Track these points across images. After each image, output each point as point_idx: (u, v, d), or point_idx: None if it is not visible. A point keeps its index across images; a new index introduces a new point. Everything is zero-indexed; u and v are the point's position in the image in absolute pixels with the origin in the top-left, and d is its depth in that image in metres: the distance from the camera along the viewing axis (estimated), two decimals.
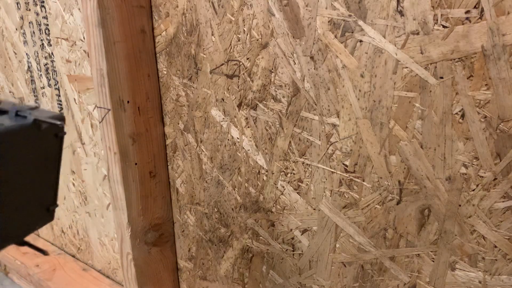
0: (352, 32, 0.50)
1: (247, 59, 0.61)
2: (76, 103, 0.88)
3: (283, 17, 0.55)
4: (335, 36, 0.51)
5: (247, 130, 0.65)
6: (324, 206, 0.60)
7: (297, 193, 0.62)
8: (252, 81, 0.61)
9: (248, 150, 0.66)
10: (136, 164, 0.74)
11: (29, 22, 0.90)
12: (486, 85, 0.43)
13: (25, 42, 0.94)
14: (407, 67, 0.47)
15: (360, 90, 0.52)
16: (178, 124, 0.75)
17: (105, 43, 0.65)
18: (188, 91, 0.71)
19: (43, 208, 0.39)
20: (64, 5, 0.80)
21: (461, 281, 0.51)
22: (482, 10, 0.41)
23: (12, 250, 1.13)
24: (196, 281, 0.86)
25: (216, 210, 0.75)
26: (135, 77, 0.71)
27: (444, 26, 0.44)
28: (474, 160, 0.46)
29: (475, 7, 0.42)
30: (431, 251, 0.52)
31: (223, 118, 0.68)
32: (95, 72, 0.68)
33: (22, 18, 0.91)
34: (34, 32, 0.90)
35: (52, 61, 0.89)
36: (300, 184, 0.61)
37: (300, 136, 0.59)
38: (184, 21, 0.67)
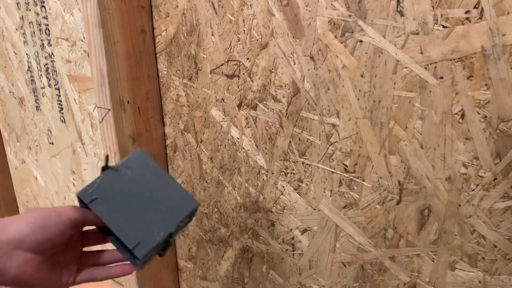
0: (352, 32, 0.50)
1: (247, 59, 0.61)
2: (76, 103, 0.88)
3: (283, 17, 0.55)
4: (335, 36, 0.51)
5: (247, 130, 0.65)
6: (324, 206, 0.60)
7: (297, 193, 0.62)
8: (252, 81, 0.61)
9: (248, 150, 0.66)
10: None
11: (29, 22, 0.90)
12: (486, 85, 0.43)
13: (25, 42, 0.94)
14: (407, 67, 0.47)
15: (360, 90, 0.52)
16: (178, 124, 0.75)
17: (105, 43, 0.65)
18: (188, 91, 0.71)
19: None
20: (64, 5, 0.80)
21: (461, 281, 0.51)
22: (482, 10, 0.41)
23: None
24: (196, 281, 0.86)
25: (216, 210, 0.75)
26: (135, 77, 0.71)
27: (444, 26, 0.44)
28: (474, 160, 0.46)
29: (475, 7, 0.42)
30: (431, 251, 0.52)
31: (223, 118, 0.68)
32: (95, 72, 0.68)
33: (22, 18, 0.91)
34: (34, 32, 0.90)
35: (52, 61, 0.89)
36: (300, 184, 0.61)
37: (300, 136, 0.59)
38: (184, 21, 0.67)
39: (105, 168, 0.47)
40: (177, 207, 0.48)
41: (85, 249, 0.50)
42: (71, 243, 0.47)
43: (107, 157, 0.47)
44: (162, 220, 0.46)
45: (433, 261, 0.52)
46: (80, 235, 0.48)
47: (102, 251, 0.50)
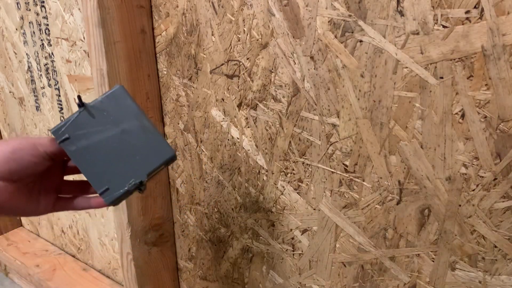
0: (352, 32, 0.50)
1: (247, 59, 0.61)
2: (76, 103, 0.88)
3: (283, 17, 0.55)
4: (335, 36, 0.51)
5: (247, 130, 0.65)
6: (324, 206, 0.60)
7: (297, 193, 0.62)
8: (252, 81, 0.61)
9: (248, 150, 0.66)
10: None
11: (29, 22, 0.90)
12: (486, 85, 0.43)
13: (25, 42, 0.94)
14: (407, 67, 0.47)
15: (360, 90, 0.52)
16: (178, 124, 0.75)
17: (105, 43, 0.65)
18: (188, 91, 0.71)
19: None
20: (64, 5, 0.80)
21: (461, 281, 0.51)
22: (482, 10, 0.41)
23: (12, 250, 1.13)
24: (196, 281, 0.86)
25: (216, 210, 0.75)
26: (135, 77, 0.71)
27: (444, 26, 0.44)
28: (474, 160, 0.46)
29: (475, 7, 0.42)
30: (431, 251, 0.52)
31: (223, 118, 0.68)
32: (95, 72, 0.68)
33: (22, 18, 0.91)
34: (34, 32, 0.90)
35: (52, 61, 0.89)
36: (300, 184, 0.61)
37: (300, 136, 0.59)
38: (184, 21, 0.67)
39: (80, 106, 0.45)
40: (152, 155, 0.45)
41: (67, 177, 0.49)
42: (50, 172, 0.47)
43: (79, 97, 0.45)
44: (135, 166, 0.45)
45: (433, 261, 0.52)
46: (60, 164, 0.48)
47: (84, 181, 0.49)
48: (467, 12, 0.42)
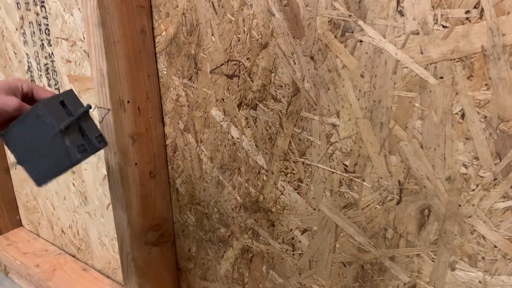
0: (352, 32, 0.50)
1: (247, 59, 0.61)
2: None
3: (283, 17, 0.55)
4: (335, 36, 0.51)
5: (247, 130, 0.65)
6: (324, 206, 0.60)
7: (297, 193, 0.62)
8: (252, 81, 0.61)
9: (248, 150, 0.66)
10: (136, 164, 0.74)
11: (29, 22, 0.90)
12: (486, 85, 0.43)
13: (25, 42, 0.94)
14: (407, 67, 0.47)
15: (360, 90, 0.52)
16: (178, 124, 0.75)
17: (105, 43, 0.65)
18: (188, 91, 0.71)
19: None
20: (64, 5, 0.80)
21: (461, 281, 0.51)
22: (482, 10, 0.41)
23: (12, 250, 1.13)
24: (196, 281, 0.86)
25: (216, 210, 0.75)
26: (135, 77, 0.71)
27: (444, 26, 0.44)
28: (474, 160, 0.46)
29: (475, 7, 0.42)
30: (431, 251, 0.52)
31: (223, 118, 0.68)
32: (95, 72, 0.68)
33: (22, 18, 0.91)
34: (34, 32, 0.90)
35: (52, 61, 0.89)
36: (300, 184, 0.61)
37: (300, 136, 0.59)
38: (184, 21, 0.67)
39: (60, 131, 0.54)
40: (51, 164, 0.57)
41: None
42: None
43: (90, 106, 0.57)
44: (34, 164, 0.58)
45: (433, 261, 0.52)
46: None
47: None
48: (467, 12, 0.42)
